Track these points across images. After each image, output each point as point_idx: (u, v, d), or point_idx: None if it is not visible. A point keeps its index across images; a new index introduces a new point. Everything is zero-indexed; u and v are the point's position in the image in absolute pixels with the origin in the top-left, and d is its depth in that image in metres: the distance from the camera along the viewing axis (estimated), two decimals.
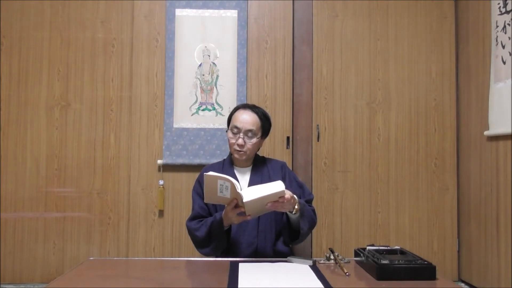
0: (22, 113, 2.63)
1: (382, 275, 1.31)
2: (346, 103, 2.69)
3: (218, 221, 1.68)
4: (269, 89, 2.68)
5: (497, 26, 2.28)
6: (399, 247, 1.51)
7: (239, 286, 1.22)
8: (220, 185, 1.53)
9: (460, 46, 2.72)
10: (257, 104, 1.99)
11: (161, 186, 2.59)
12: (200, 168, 2.22)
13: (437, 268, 1.34)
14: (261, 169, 1.88)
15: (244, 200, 1.49)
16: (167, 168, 2.61)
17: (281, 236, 1.83)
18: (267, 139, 2.00)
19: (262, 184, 1.59)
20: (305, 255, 2.58)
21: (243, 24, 2.66)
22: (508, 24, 2.18)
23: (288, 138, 2.65)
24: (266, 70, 2.68)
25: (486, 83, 2.39)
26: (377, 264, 1.33)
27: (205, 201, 1.64)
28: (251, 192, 1.52)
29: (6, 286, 2.53)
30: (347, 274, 1.37)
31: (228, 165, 1.89)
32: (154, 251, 2.59)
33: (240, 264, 1.47)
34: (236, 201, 1.56)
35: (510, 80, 2.16)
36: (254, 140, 1.82)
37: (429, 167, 2.68)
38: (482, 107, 2.44)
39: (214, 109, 2.62)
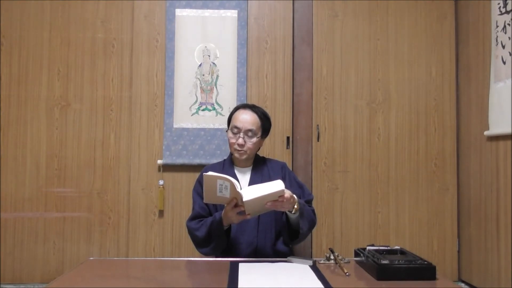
0: (22, 113, 2.63)
1: (382, 275, 1.31)
2: (346, 103, 2.69)
3: (217, 220, 1.68)
4: (269, 89, 2.68)
5: (497, 26, 2.28)
6: (399, 247, 1.51)
7: (239, 286, 1.22)
8: (220, 185, 1.53)
9: (460, 46, 2.72)
10: (257, 104, 2.00)
11: (161, 186, 2.59)
12: (200, 168, 2.22)
13: (437, 268, 1.34)
14: (261, 169, 1.89)
15: (244, 199, 1.49)
16: (167, 168, 2.60)
17: (281, 236, 1.83)
18: (267, 139, 2.00)
19: (262, 184, 1.59)
20: (305, 255, 2.58)
21: (243, 24, 2.66)
22: (508, 24, 2.18)
23: (288, 138, 2.65)
24: (266, 70, 2.68)
25: (486, 83, 2.39)
26: (377, 264, 1.33)
27: (204, 201, 1.64)
28: (251, 191, 1.52)
29: (6, 286, 2.53)
30: (347, 274, 1.37)
31: (228, 165, 1.89)
32: (154, 251, 2.59)
33: (240, 264, 1.47)
34: (236, 201, 1.56)
35: (510, 80, 2.16)
36: (254, 139, 1.83)
37: (429, 167, 2.68)
38: (482, 107, 2.44)
39: (214, 109, 2.62)
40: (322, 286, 1.23)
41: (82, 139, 2.64)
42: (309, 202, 1.85)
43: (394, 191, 2.67)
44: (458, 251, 2.66)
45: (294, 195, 1.64)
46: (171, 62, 2.63)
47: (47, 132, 2.63)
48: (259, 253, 1.77)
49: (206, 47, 2.64)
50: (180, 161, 2.58)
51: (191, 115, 2.62)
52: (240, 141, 1.80)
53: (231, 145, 1.85)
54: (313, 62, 2.69)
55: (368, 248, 1.49)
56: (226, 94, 2.62)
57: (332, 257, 1.53)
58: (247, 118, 1.83)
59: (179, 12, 2.65)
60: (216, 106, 2.62)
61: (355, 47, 2.71)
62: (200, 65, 2.64)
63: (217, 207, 1.80)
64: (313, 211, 1.82)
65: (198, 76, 2.63)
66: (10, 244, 2.58)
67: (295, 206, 1.65)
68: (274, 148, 2.64)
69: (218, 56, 2.64)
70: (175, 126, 2.61)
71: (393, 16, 2.73)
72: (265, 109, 1.95)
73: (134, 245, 2.59)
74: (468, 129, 2.60)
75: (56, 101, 2.64)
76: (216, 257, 1.75)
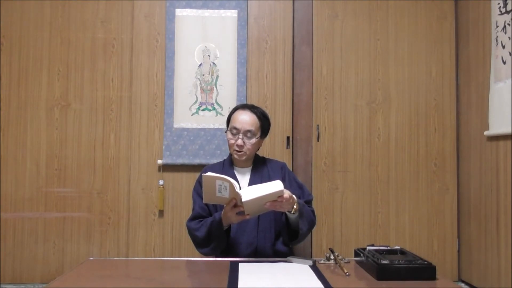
0: (22, 113, 2.63)
1: (382, 275, 1.31)
2: (346, 103, 2.69)
3: (217, 221, 1.68)
4: (269, 89, 2.68)
5: (497, 26, 2.27)
6: (399, 247, 1.51)
7: (239, 286, 1.22)
8: (219, 185, 1.53)
9: (460, 46, 2.71)
10: (257, 104, 2.00)
11: (161, 186, 2.59)
12: (200, 168, 2.22)
13: (437, 268, 1.34)
14: (261, 169, 1.89)
15: (243, 199, 1.49)
16: (167, 168, 2.60)
17: (281, 236, 1.83)
18: (267, 139, 2.00)
19: (261, 184, 1.59)
20: (305, 255, 2.58)
21: (243, 24, 2.66)
22: (508, 24, 2.18)
23: (288, 138, 2.65)
24: (266, 70, 2.68)
25: (486, 83, 2.39)
26: (377, 264, 1.33)
27: (204, 201, 1.65)
28: (250, 191, 1.52)
29: (6, 286, 2.53)
30: (347, 274, 1.37)
31: (228, 166, 1.89)
32: (154, 251, 2.59)
33: (240, 264, 1.47)
34: (235, 201, 1.56)
35: (510, 80, 2.16)
36: (253, 140, 1.83)
37: (429, 167, 2.68)
38: (482, 107, 2.44)
39: (214, 109, 2.62)
40: (322, 286, 1.23)
41: (82, 139, 2.64)
42: (308, 202, 1.85)
43: (394, 191, 2.67)
44: (458, 251, 2.66)
45: (294, 196, 1.64)
46: (171, 62, 2.63)
47: (47, 132, 2.63)
48: (259, 253, 1.77)
49: (206, 47, 2.64)
50: (180, 161, 2.58)
51: (191, 115, 2.62)
52: (239, 142, 1.80)
53: (230, 146, 1.85)
54: (313, 62, 2.69)
55: (368, 248, 1.49)
56: (226, 94, 2.62)
57: (332, 257, 1.53)
58: (246, 119, 1.83)
59: (179, 12, 2.65)
60: (216, 106, 2.62)
61: (355, 47, 2.71)
62: (200, 65, 2.64)
63: (217, 207, 1.80)
64: (312, 211, 1.82)
65: (198, 76, 2.63)
66: (10, 244, 2.58)
67: (295, 207, 1.65)
68: (274, 148, 2.64)
69: (218, 56, 2.64)
70: (175, 126, 2.61)
71: (393, 16, 2.72)
72: (265, 109, 1.95)
73: (134, 245, 2.59)
74: (468, 129, 2.60)
75: (56, 101, 2.64)
76: (216, 257, 1.75)
